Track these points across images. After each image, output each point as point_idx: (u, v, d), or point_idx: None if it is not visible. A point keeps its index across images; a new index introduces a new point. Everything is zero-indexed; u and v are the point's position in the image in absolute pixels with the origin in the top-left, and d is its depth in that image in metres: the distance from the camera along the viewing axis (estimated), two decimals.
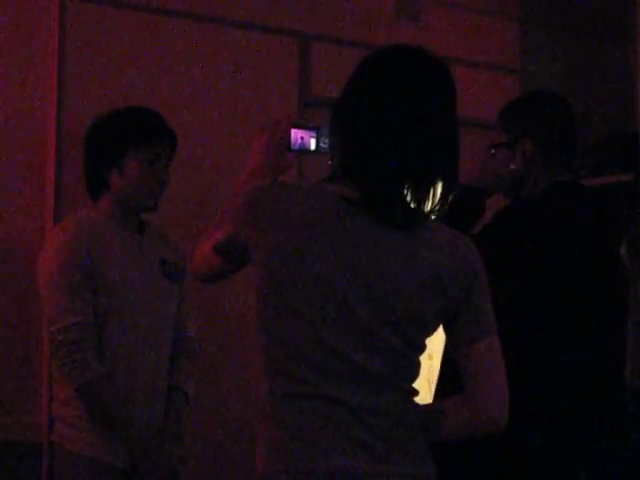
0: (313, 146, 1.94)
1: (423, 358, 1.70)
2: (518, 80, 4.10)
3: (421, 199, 1.65)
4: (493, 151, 2.42)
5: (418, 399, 1.71)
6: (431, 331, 1.67)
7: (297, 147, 1.93)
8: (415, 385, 1.69)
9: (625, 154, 3.81)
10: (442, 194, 1.67)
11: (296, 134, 1.93)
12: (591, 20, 4.23)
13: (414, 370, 1.67)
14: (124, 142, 2.59)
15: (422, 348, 1.67)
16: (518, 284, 2.20)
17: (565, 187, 2.36)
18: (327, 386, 1.59)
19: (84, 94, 3.14)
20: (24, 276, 2.93)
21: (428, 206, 1.66)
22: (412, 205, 1.64)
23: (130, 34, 3.25)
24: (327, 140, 1.92)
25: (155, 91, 3.25)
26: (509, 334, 1.78)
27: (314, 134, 1.94)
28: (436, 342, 1.84)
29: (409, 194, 1.64)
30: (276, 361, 1.63)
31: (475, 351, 1.66)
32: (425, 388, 2.34)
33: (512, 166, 2.42)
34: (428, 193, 1.65)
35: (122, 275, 2.57)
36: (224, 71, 3.43)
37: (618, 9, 4.06)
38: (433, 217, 1.67)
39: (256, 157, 1.89)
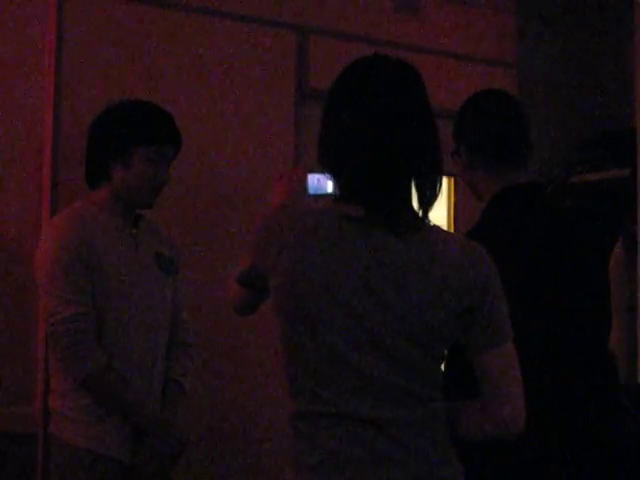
0: (330, 189, 2.00)
1: None
2: (515, 74, 4.10)
3: (429, 198, 1.67)
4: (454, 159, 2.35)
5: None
6: (449, 340, 1.67)
7: (314, 191, 2.01)
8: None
9: (621, 150, 3.81)
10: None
11: (312, 178, 2.01)
12: (589, 14, 4.24)
13: (436, 378, 1.67)
14: (133, 139, 2.59)
15: (442, 357, 1.68)
16: None
17: (511, 192, 2.25)
18: (346, 402, 1.61)
19: (82, 88, 3.13)
20: (21, 269, 2.92)
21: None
22: (418, 210, 1.67)
23: (127, 27, 3.24)
24: None
25: (151, 83, 3.25)
26: None
27: (330, 177, 2.00)
28: None
29: (416, 196, 1.66)
30: (296, 380, 1.65)
31: (491, 358, 1.67)
32: None
33: (458, 173, 2.36)
34: (434, 189, 1.67)
35: (118, 266, 2.57)
36: (221, 64, 3.42)
37: (616, 3, 4.06)
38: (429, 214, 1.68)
39: (277, 202, 1.99)
